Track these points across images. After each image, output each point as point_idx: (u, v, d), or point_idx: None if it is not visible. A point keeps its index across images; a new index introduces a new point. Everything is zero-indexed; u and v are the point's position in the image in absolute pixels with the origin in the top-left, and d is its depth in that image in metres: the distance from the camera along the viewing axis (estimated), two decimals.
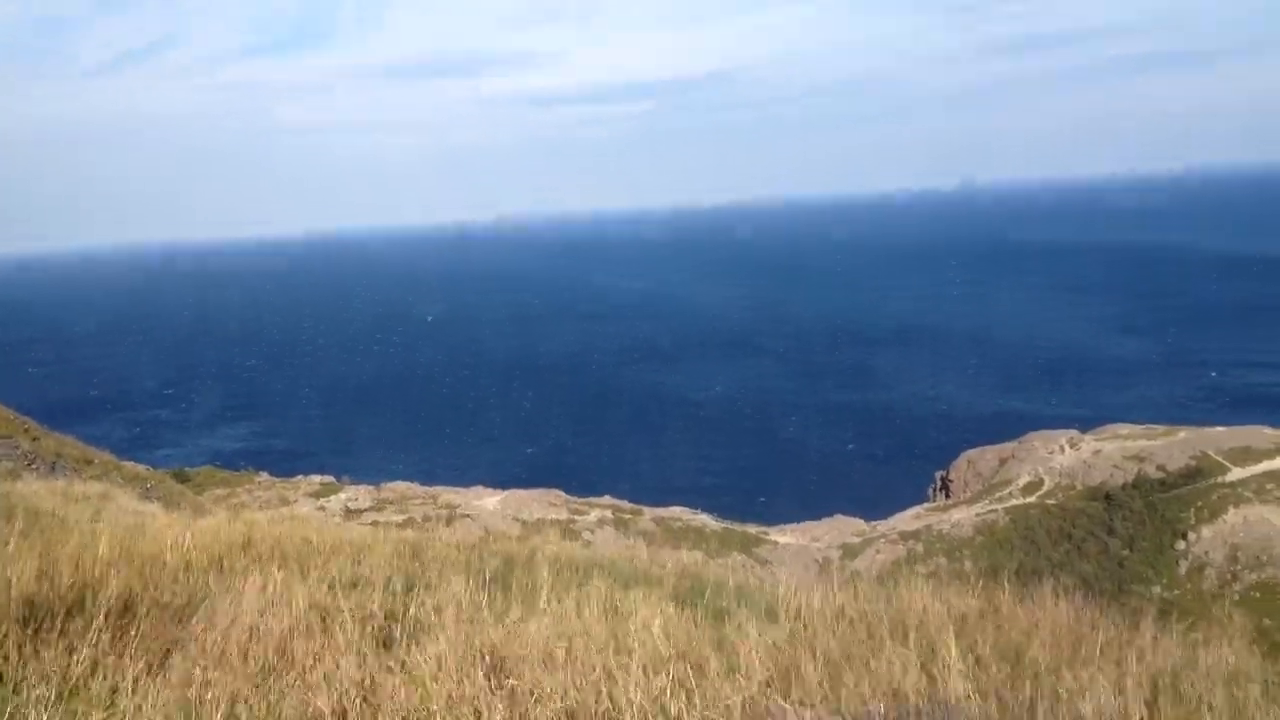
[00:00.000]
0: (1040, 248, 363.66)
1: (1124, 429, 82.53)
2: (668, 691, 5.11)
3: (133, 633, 5.72)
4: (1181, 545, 65.18)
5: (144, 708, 4.77)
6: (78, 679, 5.20)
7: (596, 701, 5.11)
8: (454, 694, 5.17)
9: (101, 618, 5.87)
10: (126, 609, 6.17)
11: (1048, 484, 75.50)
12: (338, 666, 5.45)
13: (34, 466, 30.59)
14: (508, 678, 5.39)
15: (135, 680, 5.17)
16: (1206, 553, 63.88)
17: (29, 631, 5.76)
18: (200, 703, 4.88)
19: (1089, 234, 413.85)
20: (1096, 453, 77.11)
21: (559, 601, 7.38)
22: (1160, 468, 71.79)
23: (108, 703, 4.98)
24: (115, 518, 10.30)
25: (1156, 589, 62.57)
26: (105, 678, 5.22)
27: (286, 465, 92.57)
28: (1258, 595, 60.20)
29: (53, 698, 4.99)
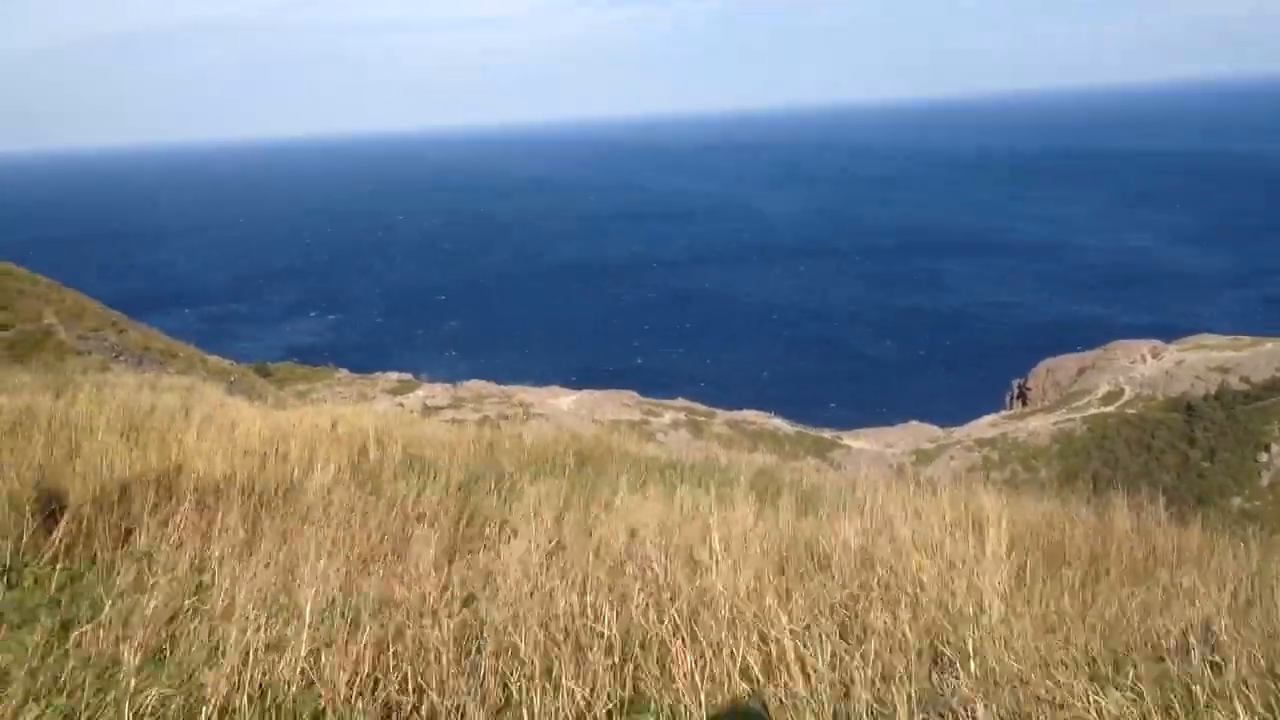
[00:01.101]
0: (1110, 155, 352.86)
1: (1209, 339, 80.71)
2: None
3: (220, 516, 5.80)
4: (1264, 457, 64.03)
5: (230, 588, 4.84)
6: (166, 559, 5.30)
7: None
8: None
9: (189, 502, 5.97)
10: (215, 492, 6.27)
11: (1128, 394, 74.31)
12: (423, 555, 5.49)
13: (122, 358, 31.38)
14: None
15: (220, 560, 5.25)
16: None
17: (119, 515, 5.88)
18: (291, 582, 4.94)
19: (1160, 141, 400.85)
20: (1179, 363, 75.63)
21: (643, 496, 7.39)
22: (1244, 379, 70.28)
23: (195, 581, 5.07)
24: (201, 408, 10.49)
25: (1237, 500, 61.66)
26: (194, 559, 5.31)
27: (362, 360, 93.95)
28: None
29: (143, 578, 5.09)
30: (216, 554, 5.34)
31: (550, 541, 5.86)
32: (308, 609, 4.56)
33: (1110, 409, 72.97)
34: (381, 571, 5.22)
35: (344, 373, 76.46)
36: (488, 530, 6.36)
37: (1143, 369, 76.94)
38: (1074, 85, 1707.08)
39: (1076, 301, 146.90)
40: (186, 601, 4.80)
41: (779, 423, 73.90)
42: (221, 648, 4.37)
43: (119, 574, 5.14)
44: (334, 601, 4.71)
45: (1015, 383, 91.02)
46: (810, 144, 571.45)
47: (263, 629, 4.41)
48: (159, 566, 5.15)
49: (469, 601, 4.95)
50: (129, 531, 5.72)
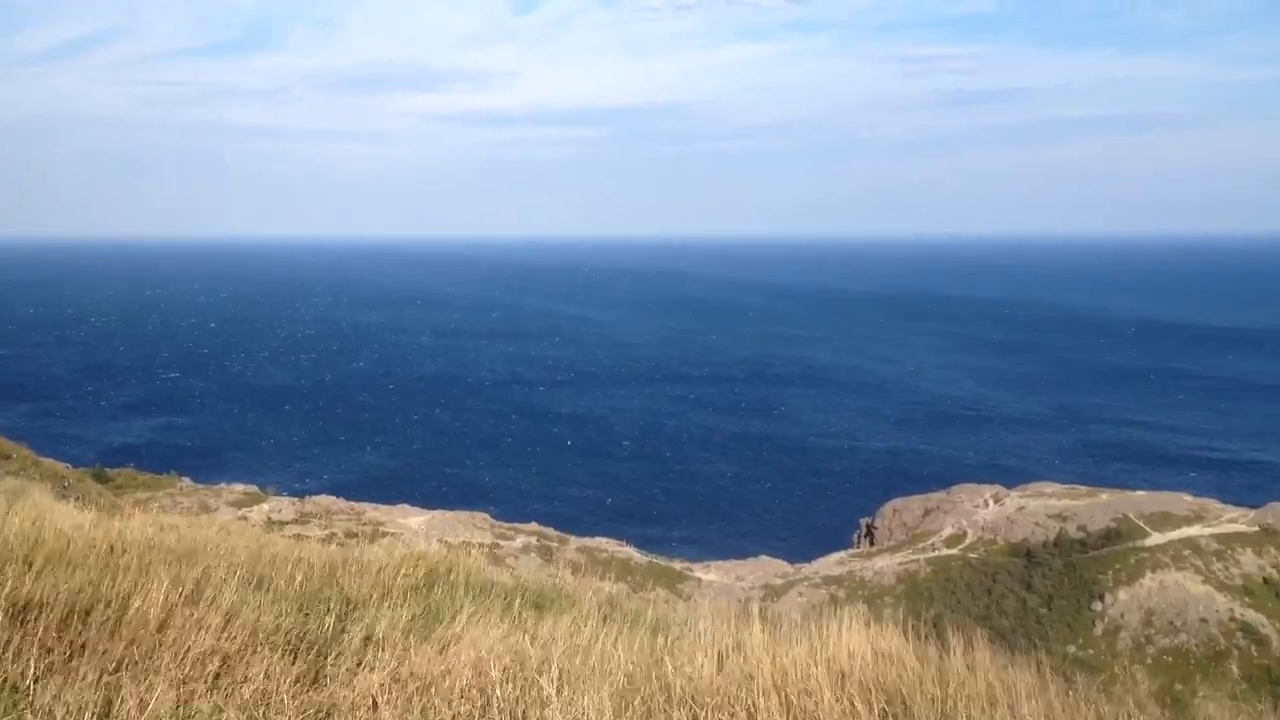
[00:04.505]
0: (967, 303, 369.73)
1: (1049, 487, 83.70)
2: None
3: (36, 631, 5.48)
4: (1098, 606, 66.03)
5: (50, 707, 4.55)
6: None
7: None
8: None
9: (1, 615, 5.63)
10: (36, 608, 5.92)
11: (970, 537, 76.21)
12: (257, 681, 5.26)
13: None
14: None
15: (37, 679, 4.94)
16: (1122, 615, 64.76)
17: None
18: (109, 703, 4.67)
19: (1017, 292, 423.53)
20: (1020, 509, 78.03)
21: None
22: (1081, 528, 72.82)
23: (8, 702, 4.75)
24: (25, 513, 9.97)
25: (1071, 648, 63.29)
26: (5, 676, 4.99)
27: (207, 464, 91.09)
28: (1170, 660, 61.13)
29: None
30: (31, 673, 5.01)
31: (393, 671, 5.68)
32: None
33: (954, 551, 74.68)
34: (215, 701, 4.97)
35: (186, 482, 73.78)
36: (328, 658, 6.13)
37: (985, 514, 79.12)
38: (931, 234, 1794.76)
39: (915, 439, 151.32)
40: None
41: (631, 551, 73.68)
42: None
43: None
44: None
45: (863, 521, 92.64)
46: (672, 273, 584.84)
47: None
48: None
49: None
50: None
